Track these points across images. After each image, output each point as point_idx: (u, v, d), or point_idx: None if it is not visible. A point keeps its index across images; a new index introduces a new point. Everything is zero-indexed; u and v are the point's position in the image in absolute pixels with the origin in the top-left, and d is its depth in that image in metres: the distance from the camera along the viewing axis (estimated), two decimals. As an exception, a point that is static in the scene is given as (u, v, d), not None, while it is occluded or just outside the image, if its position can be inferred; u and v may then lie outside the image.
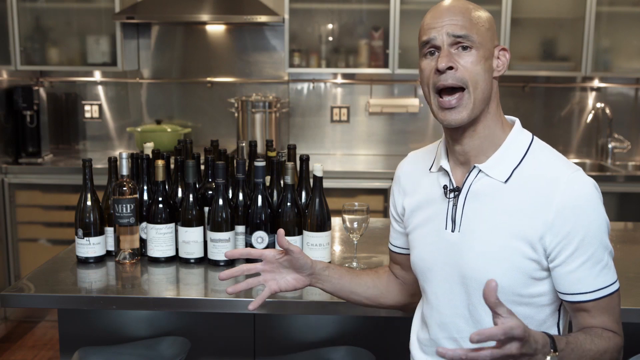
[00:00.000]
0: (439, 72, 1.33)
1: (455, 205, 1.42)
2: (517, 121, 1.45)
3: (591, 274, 1.31)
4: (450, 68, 1.32)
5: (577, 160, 4.27)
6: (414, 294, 1.64)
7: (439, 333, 1.46)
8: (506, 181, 1.36)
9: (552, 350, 1.20)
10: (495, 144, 1.39)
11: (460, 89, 1.33)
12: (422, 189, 1.51)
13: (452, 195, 1.42)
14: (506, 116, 1.45)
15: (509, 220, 1.34)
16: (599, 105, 4.22)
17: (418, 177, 1.53)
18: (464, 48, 1.32)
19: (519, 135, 1.41)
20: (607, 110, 4.20)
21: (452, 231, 1.41)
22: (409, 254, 1.57)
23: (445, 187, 1.44)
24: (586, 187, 1.32)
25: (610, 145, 4.22)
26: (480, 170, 1.39)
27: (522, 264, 1.33)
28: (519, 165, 1.37)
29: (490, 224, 1.36)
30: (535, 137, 1.43)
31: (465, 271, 1.39)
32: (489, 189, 1.38)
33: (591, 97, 4.30)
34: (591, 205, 1.31)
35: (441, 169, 1.46)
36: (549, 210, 1.30)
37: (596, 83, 4.27)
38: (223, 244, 2.02)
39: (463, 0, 1.38)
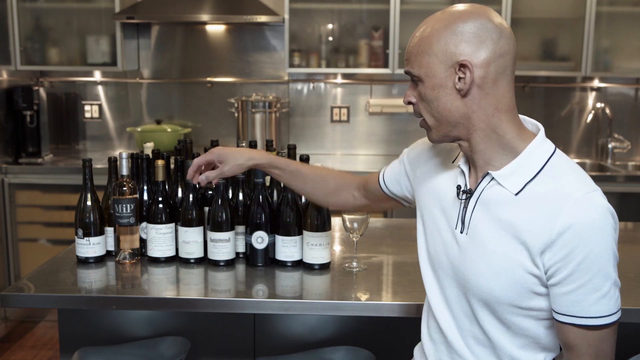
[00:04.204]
0: None
1: (465, 207, 1.41)
2: (542, 130, 1.40)
3: (586, 300, 1.27)
4: (409, 103, 1.42)
5: (577, 160, 4.27)
6: (342, 200, 1.84)
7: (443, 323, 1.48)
8: (517, 194, 1.33)
9: None
10: (511, 153, 1.36)
11: None
12: (440, 181, 1.50)
13: (464, 196, 1.42)
14: (530, 121, 1.43)
15: (514, 232, 1.32)
16: (599, 105, 4.22)
17: (440, 164, 1.53)
18: (415, 82, 1.39)
19: (540, 147, 1.36)
20: (607, 110, 4.20)
21: (461, 232, 1.41)
22: (387, 192, 1.71)
23: (458, 187, 1.43)
24: (595, 212, 1.25)
25: (610, 145, 4.22)
26: (493, 178, 1.37)
27: (523, 277, 1.31)
28: (533, 179, 1.33)
29: (496, 234, 1.34)
30: (557, 149, 1.38)
31: (466, 273, 1.38)
32: (499, 199, 1.35)
33: (591, 97, 4.30)
34: (596, 232, 1.24)
35: (460, 167, 1.46)
36: (552, 229, 1.26)
37: (596, 83, 4.27)
38: (223, 244, 2.02)
39: (426, 24, 1.36)
